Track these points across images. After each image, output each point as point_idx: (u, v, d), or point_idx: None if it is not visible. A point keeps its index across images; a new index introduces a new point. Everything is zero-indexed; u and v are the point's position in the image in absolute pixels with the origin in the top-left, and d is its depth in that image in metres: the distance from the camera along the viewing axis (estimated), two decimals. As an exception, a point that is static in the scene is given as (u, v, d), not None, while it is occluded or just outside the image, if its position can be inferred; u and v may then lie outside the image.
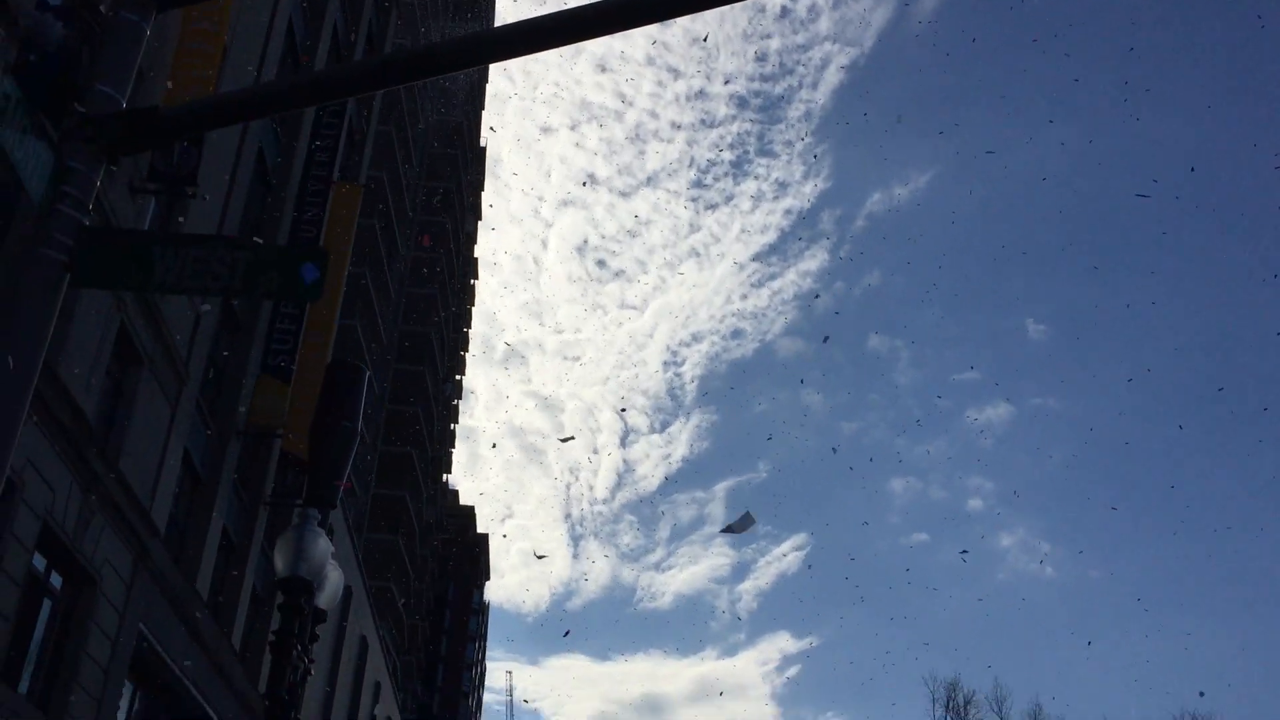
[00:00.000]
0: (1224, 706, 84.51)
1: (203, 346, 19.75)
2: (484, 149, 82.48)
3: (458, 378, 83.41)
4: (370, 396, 44.58)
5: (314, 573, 9.15)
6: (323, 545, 9.18)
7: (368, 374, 9.93)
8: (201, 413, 20.57)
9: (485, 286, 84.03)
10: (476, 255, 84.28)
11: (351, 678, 35.16)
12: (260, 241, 4.96)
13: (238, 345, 22.62)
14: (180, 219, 16.94)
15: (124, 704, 17.82)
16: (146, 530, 16.76)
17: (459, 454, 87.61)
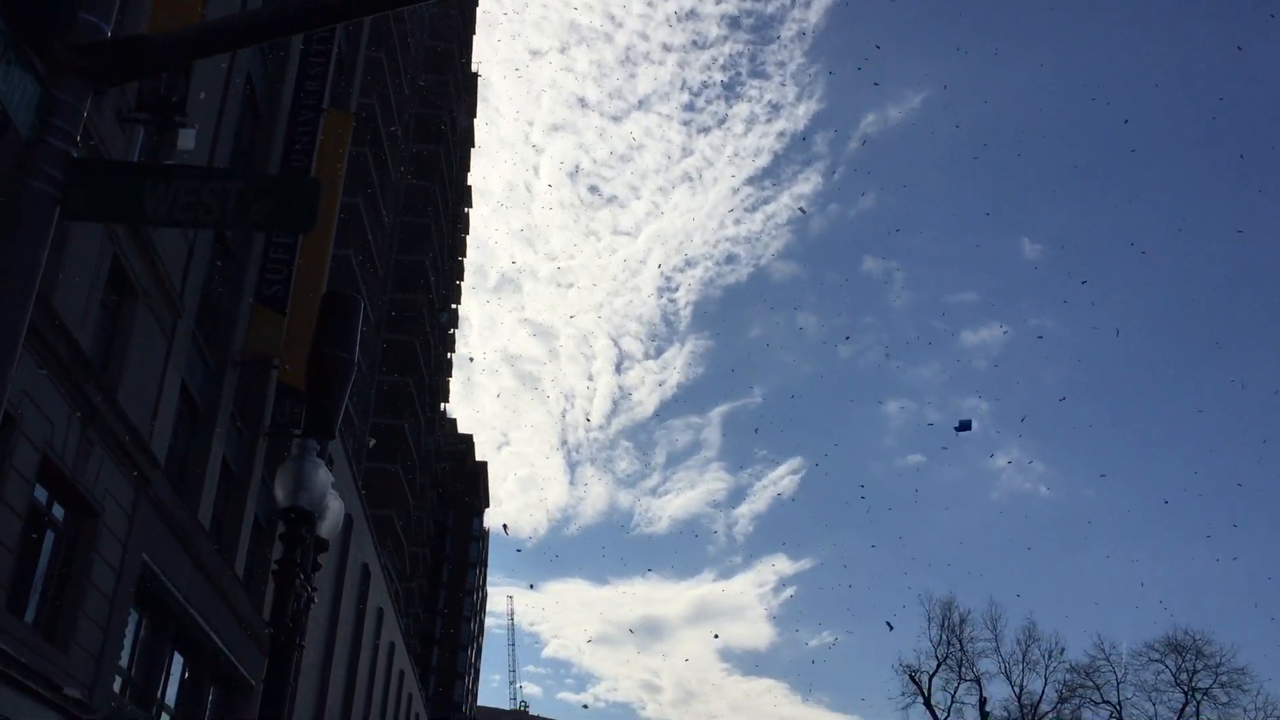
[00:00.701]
0: (1215, 623, 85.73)
1: (197, 278, 19.69)
2: (476, 75, 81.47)
3: (454, 306, 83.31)
4: (366, 326, 44.63)
5: (315, 503, 9.22)
6: (323, 475, 9.25)
7: (363, 304, 9.93)
8: (197, 344, 20.57)
9: (476, 214, 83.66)
10: (470, 184, 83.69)
11: (354, 604, 35.61)
12: (252, 172, 4.94)
13: (231, 276, 22.56)
14: (171, 150, 16.80)
15: (130, 632, 18.06)
16: (147, 462, 16.86)
17: (454, 382, 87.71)
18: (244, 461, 23.71)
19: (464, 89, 76.06)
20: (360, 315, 9.53)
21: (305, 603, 9.37)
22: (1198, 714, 56.39)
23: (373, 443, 51.95)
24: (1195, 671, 56.64)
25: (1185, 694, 56.66)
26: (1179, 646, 57.34)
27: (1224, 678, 55.90)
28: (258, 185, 4.75)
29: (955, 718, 62.68)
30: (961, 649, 62.78)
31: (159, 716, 19.97)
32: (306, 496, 9.16)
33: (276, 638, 8.99)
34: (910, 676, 62.87)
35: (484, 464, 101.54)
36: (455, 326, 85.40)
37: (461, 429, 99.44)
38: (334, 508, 9.74)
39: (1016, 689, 61.71)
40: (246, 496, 23.51)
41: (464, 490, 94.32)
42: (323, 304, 9.45)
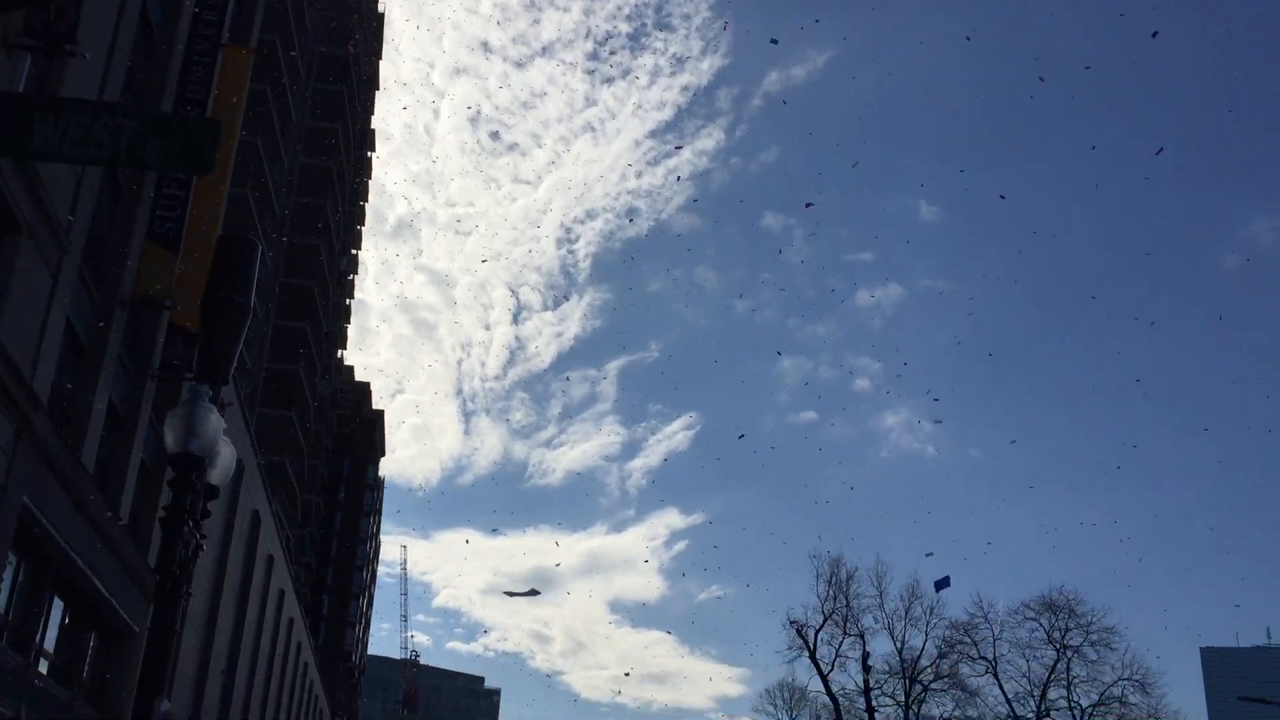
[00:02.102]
0: (1088, 584, 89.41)
1: (85, 212, 19.02)
2: (382, 15, 79.71)
3: (354, 252, 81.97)
4: (263, 270, 43.69)
5: (205, 449, 9.06)
6: (214, 421, 9.08)
7: (260, 247, 9.72)
8: (85, 282, 19.91)
9: (374, 157, 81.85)
10: (373, 127, 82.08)
11: (244, 551, 35.10)
12: (148, 109, 4.79)
13: (121, 212, 21.83)
14: (59, 81, 16.13)
15: (7, 576, 17.56)
16: (28, 401, 16.32)
17: (350, 329, 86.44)
18: (131, 404, 23.09)
19: (370, 29, 74.38)
20: (257, 260, 9.34)
21: (193, 550, 9.23)
22: (1068, 670, 58.84)
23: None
24: (1067, 630, 59.02)
25: (1057, 651, 59.02)
26: (1053, 606, 59.65)
27: (1094, 636, 58.37)
28: (153, 123, 4.62)
29: (839, 671, 64.45)
30: (847, 605, 64.43)
31: (37, 663, 19.50)
32: (197, 443, 8.99)
33: (163, 585, 8.85)
34: (797, 631, 64.34)
35: (380, 412, 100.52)
36: (355, 273, 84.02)
37: (361, 377, 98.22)
38: (225, 454, 9.57)
39: (898, 644, 63.63)
40: (133, 440, 22.92)
41: (359, 438, 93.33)
42: (219, 247, 9.25)
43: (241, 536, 34.20)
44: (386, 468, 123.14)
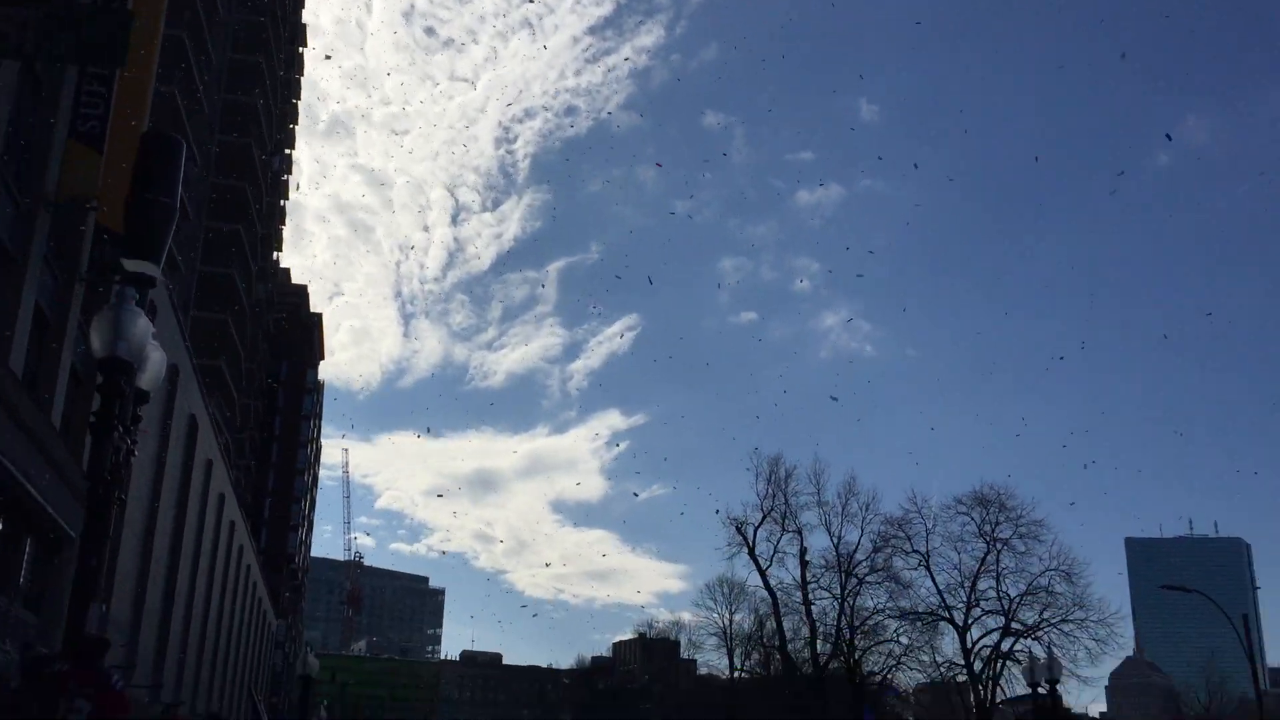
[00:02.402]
0: (1019, 478, 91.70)
1: (3, 110, 18.32)
2: (311, -96, 76.80)
3: (287, 152, 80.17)
4: (192, 170, 42.54)
5: (134, 353, 8.88)
6: (142, 325, 8.89)
7: (186, 146, 9.44)
8: (6, 183, 19.27)
9: (306, 53, 79.49)
10: (304, 21, 79.70)
11: (181, 456, 34.81)
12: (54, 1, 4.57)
13: (42, 110, 21.06)
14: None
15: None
16: (-50, 306, 15.89)
17: (285, 231, 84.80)
18: (59, 309, 22.55)
19: (299, -81, 71.81)
20: (182, 158, 9.08)
21: (125, 455, 9.11)
22: (998, 562, 60.69)
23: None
24: (998, 523, 60.74)
25: (987, 544, 60.78)
26: (984, 500, 61.27)
27: (1023, 529, 60.13)
28: (61, 13, 4.41)
29: (777, 566, 65.97)
30: (786, 502, 65.76)
31: (-28, 569, 19.32)
32: (125, 347, 8.80)
33: (94, 490, 8.75)
34: (736, 528, 65.64)
35: (317, 315, 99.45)
36: (289, 173, 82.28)
37: (294, 279, 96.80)
38: (154, 358, 9.40)
39: (835, 539, 65.19)
40: (62, 344, 22.44)
41: (297, 342, 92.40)
42: (143, 145, 8.96)
43: (179, 441, 33.89)
44: (326, 371, 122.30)
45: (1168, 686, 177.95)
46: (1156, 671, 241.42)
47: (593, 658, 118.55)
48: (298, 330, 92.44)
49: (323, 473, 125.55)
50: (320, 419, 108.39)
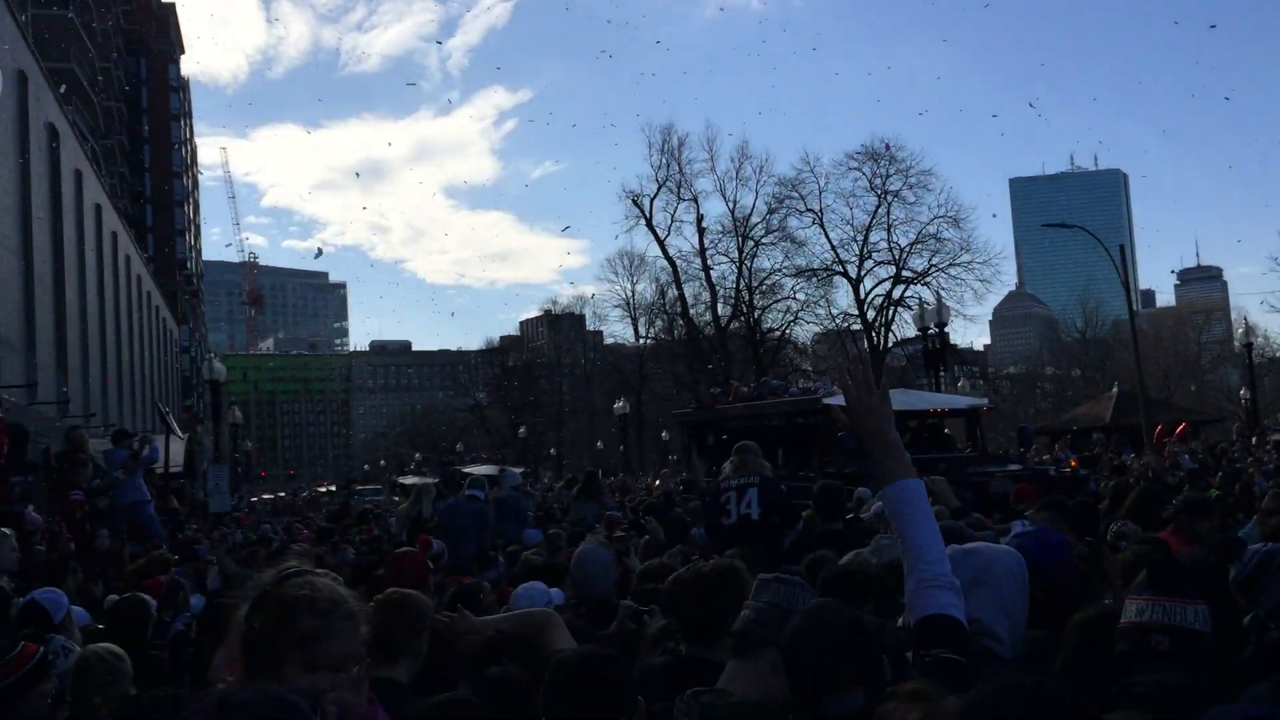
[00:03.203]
0: (909, 129, 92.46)
1: None
2: None
3: None
4: None
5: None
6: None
7: None
8: None
9: None
10: None
11: (46, 168, 33.05)
12: None
13: None
14: None
15: None
16: None
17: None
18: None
19: None
20: None
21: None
22: (889, 214, 61.92)
23: None
24: (888, 176, 61.45)
25: (878, 197, 61.75)
26: (875, 154, 61.68)
27: (912, 180, 61.03)
28: None
29: (675, 236, 66.60)
30: (680, 171, 65.46)
31: None
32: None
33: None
34: (633, 200, 65.54)
35: (170, 4, 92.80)
36: None
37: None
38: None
39: (730, 204, 65.62)
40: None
41: (151, 35, 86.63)
42: None
43: (40, 153, 32.07)
44: (190, 68, 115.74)
45: (1047, 316, 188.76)
46: (1037, 303, 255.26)
47: (501, 337, 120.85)
48: (151, 23, 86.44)
49: (203, 174, 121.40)
50: (191, 118, 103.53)
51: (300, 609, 2.64)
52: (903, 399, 20.28)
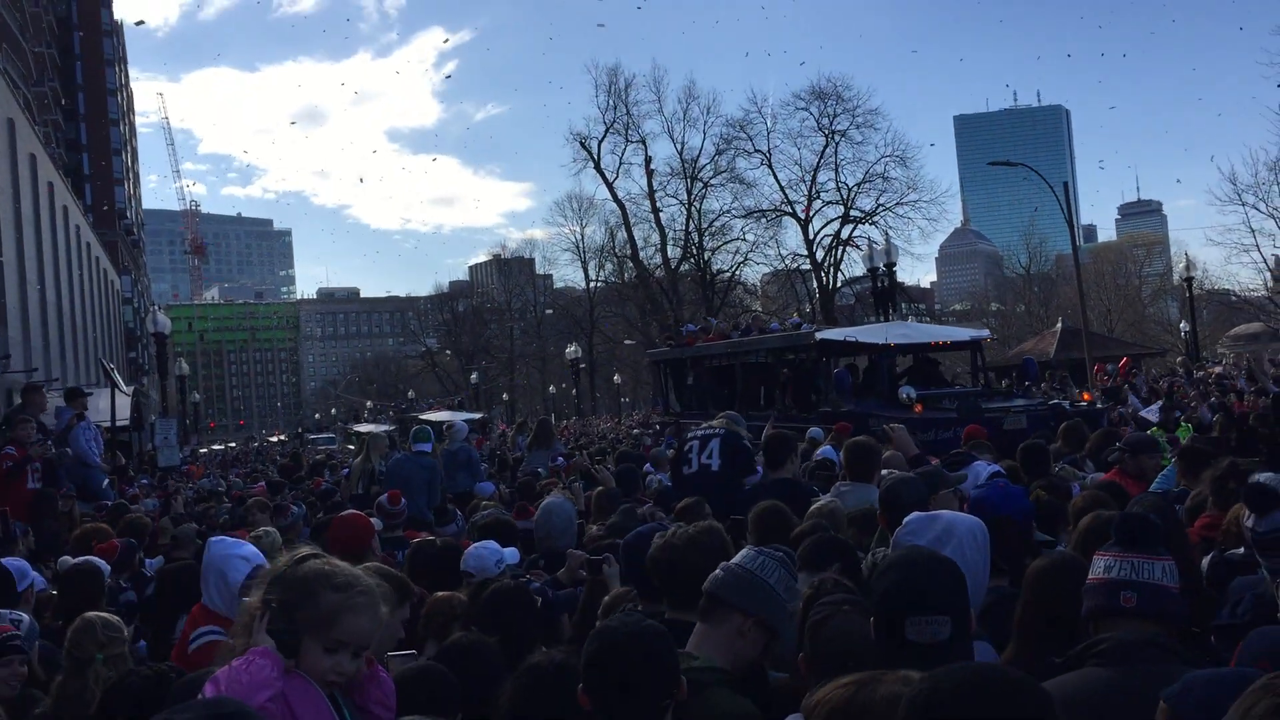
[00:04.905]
0: (858, 67, 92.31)
1: None
2: None
3: None
4: None
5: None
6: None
7: None
8: None
9: None
10: None
11: (-24, 118, 32.13)
12: None
13: None
14: None
15: None
16: None
17: None
18: None
19: None
20: None
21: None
22: (836, 154, 61.91)
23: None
24: (835, 116, 61.36)
25: (826, 137, 61.67)
26: (822, 94, 61.50)
27: (860, 119, 61.00)
28: None
29: (624, 178, 66.19)
30: (628, 113, 64.90)
31: None
32: None
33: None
34: (580, 143, 64.96)
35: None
36: None
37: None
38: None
39: (678, 146, 65.26)
40: None
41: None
42: None
43: (-31, 102, 31.16)
44: (122, 10, 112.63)
45: (991, 252, 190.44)
46: (982, 239, 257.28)
47: (450, 283, 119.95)
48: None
49: (139, 120, 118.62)
50: (125, 64, 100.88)
51: (320, 585, 2.72)
52: (903, 331, 19.74)
